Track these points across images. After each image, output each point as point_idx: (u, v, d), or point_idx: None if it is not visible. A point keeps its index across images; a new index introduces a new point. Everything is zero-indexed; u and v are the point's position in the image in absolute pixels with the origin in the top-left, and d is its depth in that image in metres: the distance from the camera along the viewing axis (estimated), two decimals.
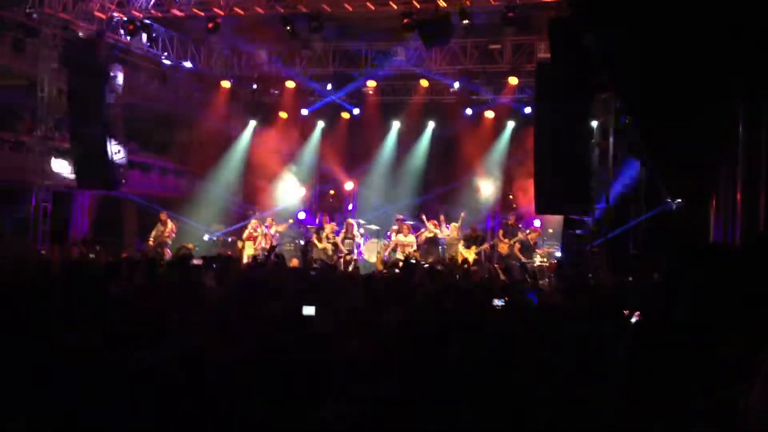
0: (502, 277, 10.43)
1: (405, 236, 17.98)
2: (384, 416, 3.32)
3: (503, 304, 6.17)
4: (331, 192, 22.64)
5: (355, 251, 18.06)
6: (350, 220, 18.70)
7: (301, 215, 20.47)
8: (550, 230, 18.66)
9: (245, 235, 18.27)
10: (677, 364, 2.82)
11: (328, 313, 5.27)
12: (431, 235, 17.97)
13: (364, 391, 3.60)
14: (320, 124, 21.55)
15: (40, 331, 4.09)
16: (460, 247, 17.59)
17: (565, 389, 3.70)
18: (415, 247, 17.76)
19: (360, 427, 3.34)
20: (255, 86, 20.31)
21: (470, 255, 17.14)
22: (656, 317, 3.50)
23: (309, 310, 5.07)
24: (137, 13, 16.36)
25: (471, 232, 17.94)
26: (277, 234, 18.23)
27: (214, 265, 8.98)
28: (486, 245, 17.77)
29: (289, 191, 21.65)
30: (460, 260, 16.48)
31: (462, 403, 3.46)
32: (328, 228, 18.34)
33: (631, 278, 10.10)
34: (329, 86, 19.49)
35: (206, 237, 19.28)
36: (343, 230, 18.32)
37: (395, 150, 21.73)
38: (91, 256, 13.06)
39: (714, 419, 2.36)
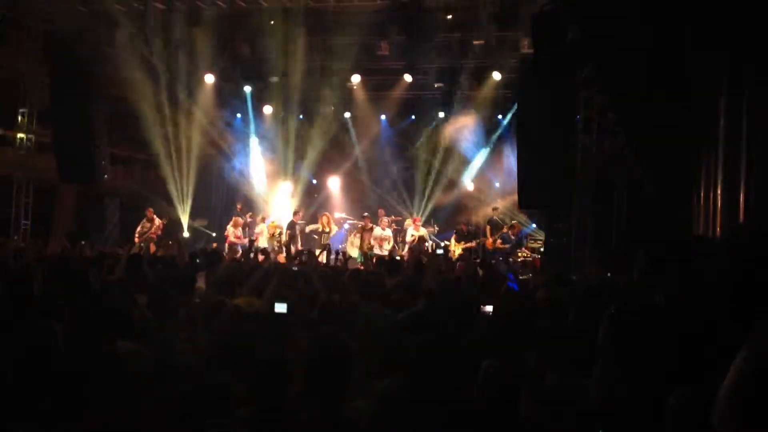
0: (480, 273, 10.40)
1: (383, 230, 18.01)
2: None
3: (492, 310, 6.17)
4: (314, 181, 22.63)
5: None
6: (326, 214, 18.79)
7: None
8: (534, 225, 18.77)
9: (230, 235, 18.25)
10: (656, 354, 2.84)
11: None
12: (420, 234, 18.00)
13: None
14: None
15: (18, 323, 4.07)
16: (452, 241, 17.65)
17: (549, 380, 3.72)
18: (392, 242, 17.80)
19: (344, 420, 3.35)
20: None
21: (458, 250, 17.22)
22: (635, 308, 3.52)
23: (281, 308, 5.01)
24: (120, 7, 16.23)
25: (463, 228, 17.98)
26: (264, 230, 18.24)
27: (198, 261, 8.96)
28: (474, 242, 17.79)
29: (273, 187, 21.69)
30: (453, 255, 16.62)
31: (449, 396, 3.47)
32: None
33: (609, 274, 10.14)
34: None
35: (186, 234, 19.22)
36: (319, 224, 18.43)
37: (380, 145, 21.79)
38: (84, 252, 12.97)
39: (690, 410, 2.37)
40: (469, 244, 17.49)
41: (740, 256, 2.34)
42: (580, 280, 9.06)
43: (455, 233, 18.05)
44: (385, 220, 18.36)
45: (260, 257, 11.76)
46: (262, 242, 17.76)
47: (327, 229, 18.34)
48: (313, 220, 19.33)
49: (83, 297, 5.36)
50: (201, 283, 7.26)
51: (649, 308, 3.01)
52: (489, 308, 6.10)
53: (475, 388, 3.43)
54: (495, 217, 18.62)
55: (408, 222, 18.78)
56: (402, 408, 3.42)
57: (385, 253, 16.60)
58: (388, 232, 17.99)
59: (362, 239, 17.93)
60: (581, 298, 5.81)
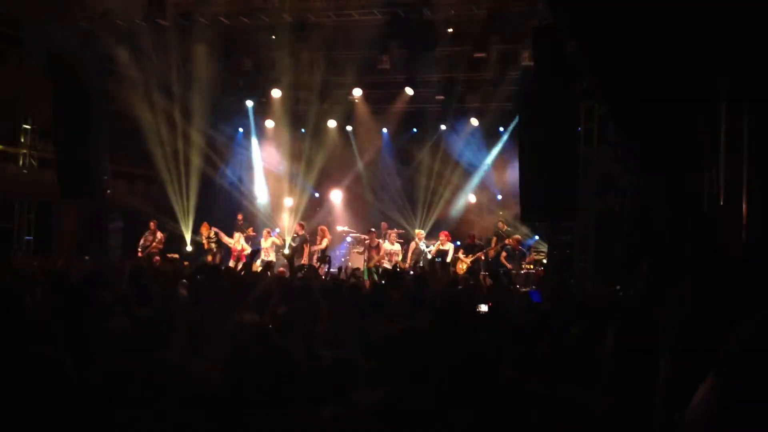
0: (487, 283, 10.39)
1: (392, 244, 17.96)
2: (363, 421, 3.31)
3: (487, 309, 6.18)
4: (316, 195, 22.66)
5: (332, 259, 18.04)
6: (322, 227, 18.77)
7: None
8: (536, 237, 18.74)
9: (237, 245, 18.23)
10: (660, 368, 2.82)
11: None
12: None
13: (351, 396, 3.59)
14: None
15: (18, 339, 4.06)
16: (460, 255, 17.59)
17: (552, 393, 3.70)
18: (401, 256, 17.75)
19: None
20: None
21: (466, 263, 17.17)
22: (641, 323, 3.51)
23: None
24: (121, 23, 16.28)
25: (470, 241, 17.91)
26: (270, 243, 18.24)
27: (198, 277, 8.94)
28: (480, 254, 17.70)
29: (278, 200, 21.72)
30: (459, 268, 16.59)
31: (449, 407, 3.44)
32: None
33: (619, 287, 10.11)
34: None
35: (189, 247, 19.21)
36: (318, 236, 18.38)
37: (382, 158, 21.81)
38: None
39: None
40: (476, 256, 17.43)
41: (746, 273, 2.33)
42: (583, 293, 9.06)
43: (462, 247, 18.00)
44: (394, 234, 18.32)
45: (262, 270, 11.77)
46: (271, 256, 17.75)
47: (321, 245, 18.35)
48: (316, 233, 19.24)
49: (83, 313, 5.34)
50: (183, 291, 7.25)
51: (653, 323, 2.99)
52: (484, 307, 6.12)
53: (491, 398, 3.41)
54: (500, 229, 18.63)
55: (419, 232, 18.73)
56: (407, 419, 3.40)
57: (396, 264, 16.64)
58: (398, 247, 17.97)
59: (369, 255, 17.91)
60: (586, 311, 5.80)
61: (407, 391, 3.42)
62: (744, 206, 6.83)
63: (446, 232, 18.25)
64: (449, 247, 17.85)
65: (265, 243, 18.31)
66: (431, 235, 19.20)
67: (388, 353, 4.17)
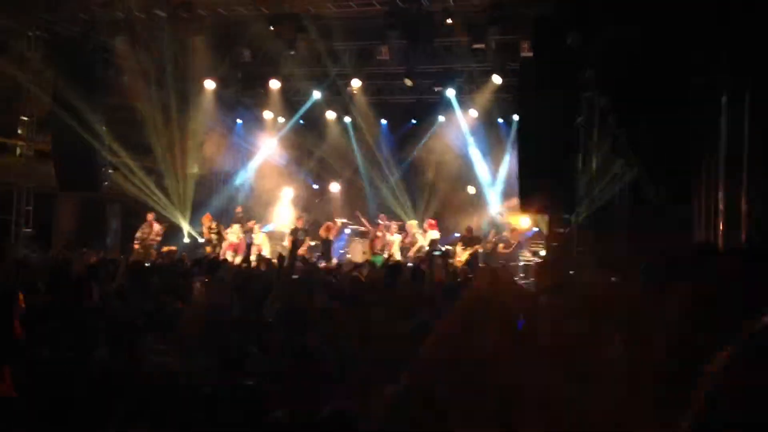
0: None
1: (392, 235, 17.98)
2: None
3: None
4: (315, 186, 22.68)
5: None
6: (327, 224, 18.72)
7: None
8: (536, 228, 18.71)
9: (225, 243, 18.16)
10: (664, 365, 2.80)
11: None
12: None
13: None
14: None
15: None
16: (458, 248, 17.56)
17: (551, 389, 3.68)
18: (396, 245, 17.76)
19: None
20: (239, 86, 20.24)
21: (464, 256, 17.15)
22: (642, 321, 3.47)
23: None
24: (121, 14, 16.21)
25: (468, 233, 17.87)
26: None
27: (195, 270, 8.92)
28: (478, 246, 17.66)
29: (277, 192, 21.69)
30: (457, 261, 16.57)
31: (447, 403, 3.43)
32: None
33: (614, 279, 10.08)
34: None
35: (187, 239, 19.18)
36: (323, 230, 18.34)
37: (381, 149, 21.76)
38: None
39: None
40: (474, 249, 17.40)
41: (747, 267, 2.30)
42: (582, 287, 9.04)
43: (460, 240, 17.97)
44: (394, 225, 18.35)
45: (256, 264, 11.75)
46: (264, 249, 17.70)
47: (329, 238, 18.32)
48: (315, 226, 19.22)
49: (82, 306, 5.33)
50: (201, 288, 7.23)
51: (654, 321, 2.97)
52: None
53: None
54: (498, 221, 18.62)
55: (410, 224, 18.71)
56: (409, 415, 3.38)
57: (397, 256, 16.67)
58: (398, 237, 17.99)
59: (372, 245, 17.91)
60: (586, 307, 5.78)
61: (409, 391, 3.41)
62: (744, 194, 6.82)
63: (431, 221, 18.26)
64: (434, 235, 17.83)
65: (256, 236, 18.23)
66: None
67: (394, 351, 4.15)
